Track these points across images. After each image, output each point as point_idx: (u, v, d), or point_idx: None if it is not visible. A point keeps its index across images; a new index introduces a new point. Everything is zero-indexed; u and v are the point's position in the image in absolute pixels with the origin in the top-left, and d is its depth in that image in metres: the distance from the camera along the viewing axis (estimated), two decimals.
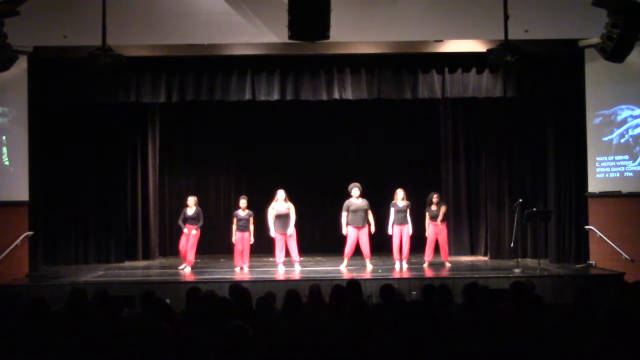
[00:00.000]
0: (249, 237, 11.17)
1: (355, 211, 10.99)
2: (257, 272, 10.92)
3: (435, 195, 11.46)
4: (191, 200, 11.35)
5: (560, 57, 11.37)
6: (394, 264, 11.16)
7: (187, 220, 11.29)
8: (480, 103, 12.43)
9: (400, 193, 11.22)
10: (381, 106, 12.56)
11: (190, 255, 11.25)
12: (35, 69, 10.96)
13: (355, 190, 11.05)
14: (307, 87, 11.35)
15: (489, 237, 12.89)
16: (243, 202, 11.25)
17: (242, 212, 11.22)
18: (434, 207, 11.40)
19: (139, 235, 13.26)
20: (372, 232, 11.06)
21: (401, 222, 11.18)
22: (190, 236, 11.22)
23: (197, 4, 10.24)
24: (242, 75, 11.28)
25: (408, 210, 11.21)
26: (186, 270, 11.15)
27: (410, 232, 11.18)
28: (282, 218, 10.99)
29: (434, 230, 11.39)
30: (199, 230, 11.31)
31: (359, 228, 10.99)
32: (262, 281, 9.93)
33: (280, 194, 11.08)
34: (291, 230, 10.99)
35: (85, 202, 12.48)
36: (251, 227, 11.17)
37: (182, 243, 11.30)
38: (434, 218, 11.39)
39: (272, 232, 11.03)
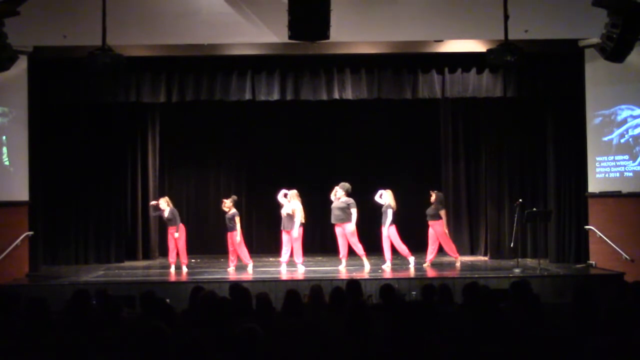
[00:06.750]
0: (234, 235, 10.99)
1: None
2: (257, 272, 10.91)
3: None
4: (162, 202, 11.22)
5: (560, 57, 11.37)
6: (384, 263, 11.04)
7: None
8: (480, 103, 12.42)
9: (381, 193, 11.14)
10: (381, 106, 12.56)
11: (172, 257, 11.13)
12: (35, 69, 10.97)
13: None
14: (307, 87, 11.35)
15: (489, 237, 12.87)
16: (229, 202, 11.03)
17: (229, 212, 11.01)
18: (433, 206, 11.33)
19: (139, 235, 13.25)
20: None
21: (383, 222, 11.09)
22: (172, 238, 11.16)
23: (197, 4, 10.23)
24: (242, 75, 11.28)
25: (389, 211, 10.95)
26: (171, 270, 11.07)
27: (391, 233, 10.95)
28: (286, 217, 10.97)
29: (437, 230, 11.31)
30: (180, 231, 11.17)
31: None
32: (262, 281, 9.93)
33: (289, 193, 11.02)
34: (295, 232, 10.90)
35: (85, 202, 12.45)
36: (237, 226, 10.94)
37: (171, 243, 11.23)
38: (428, 217, 11.30)
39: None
